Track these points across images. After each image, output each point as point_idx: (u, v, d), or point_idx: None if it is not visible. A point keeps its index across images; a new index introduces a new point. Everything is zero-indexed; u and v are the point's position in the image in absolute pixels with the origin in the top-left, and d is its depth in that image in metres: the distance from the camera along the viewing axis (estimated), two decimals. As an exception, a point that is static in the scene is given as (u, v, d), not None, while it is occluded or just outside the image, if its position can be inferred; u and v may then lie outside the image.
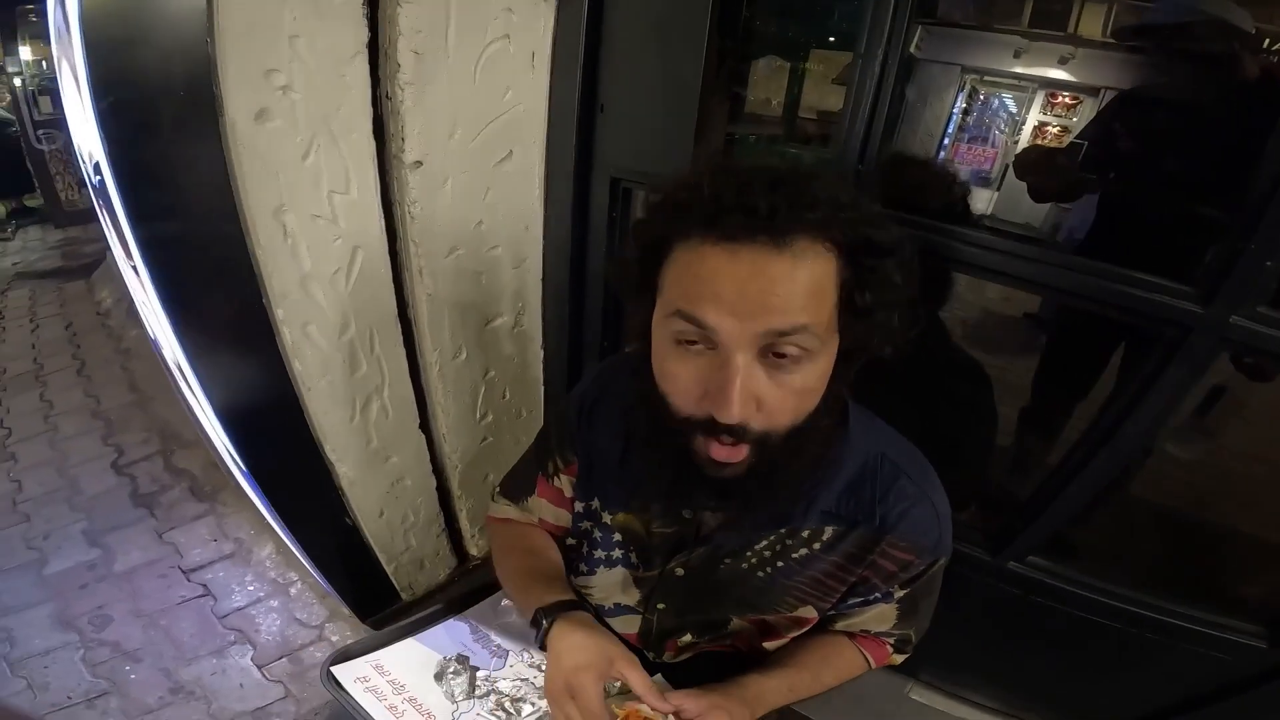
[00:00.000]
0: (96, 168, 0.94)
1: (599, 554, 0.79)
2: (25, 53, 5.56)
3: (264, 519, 1.76)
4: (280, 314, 0.96)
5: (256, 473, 1.09)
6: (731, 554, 0.70)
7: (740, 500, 0.61)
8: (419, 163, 1.00)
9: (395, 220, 1.05)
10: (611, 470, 0.76)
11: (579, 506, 0.80)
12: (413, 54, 0.92)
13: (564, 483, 0.82)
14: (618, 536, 0.77)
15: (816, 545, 0.68)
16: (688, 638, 0.78)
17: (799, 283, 0.51)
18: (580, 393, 0.80)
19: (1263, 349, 0.75)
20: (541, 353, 1.42)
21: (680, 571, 0.73)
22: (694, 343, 0.53)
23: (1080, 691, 1.17)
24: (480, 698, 0.76)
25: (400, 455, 1.26)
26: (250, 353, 1.00)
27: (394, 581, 1.37)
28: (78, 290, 3.96)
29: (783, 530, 0.68)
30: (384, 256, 1.06)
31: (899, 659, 0.81)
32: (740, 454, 0.55)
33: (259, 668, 1.49)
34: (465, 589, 0.93)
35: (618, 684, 0.71)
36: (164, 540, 1.88)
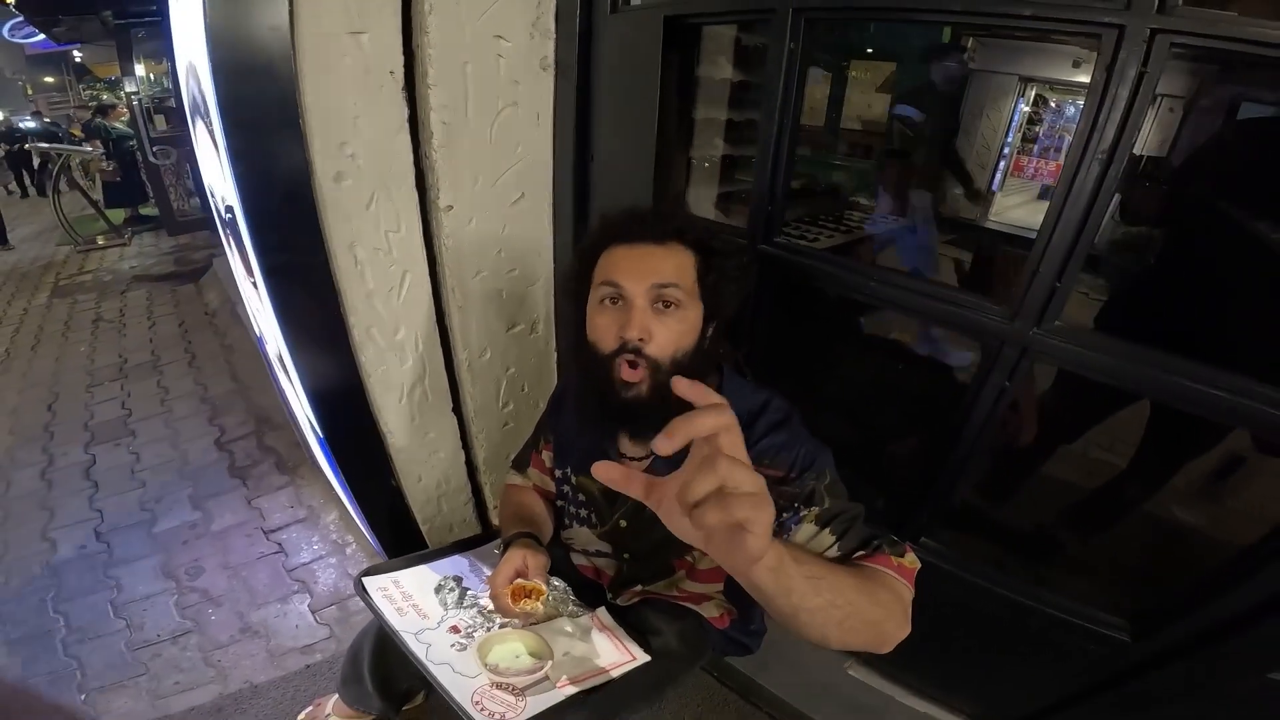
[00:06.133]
0: (229, 209, 1.30)
1: (572, 510, 1.14)
2: (139, 69, 6.11)
3: (332, 490, 2.17)
4: (351, 320, 1.33)
5: (330, 439, 1.49)
6: None
7: (640, 420, 0.92)
8: (450, 206, 1.36)
9: (434, 250, 1.41)
10: (572, 442, 1.12)
11: (558, 474, 1.16)
12: (442, 124, 1.27)
13: (546, 456, 1.19)
14: (581, 497, 1.11)
15: None
16: (639, 586, 1.10)
17: (671, 262, 0.90)
18: (554, 391, 1.20)
19: (1058, 357, 0.93)
20: (555, 354, 1.77)
21: (624, 523, 1.05)
22: (613, 300, 0.90)
23: (979, 679, 1.28)
24: (466, 608, 1.04)
25: (436, 431, 1.63)
26: (331, 347, 1.35)
27: (427, 540, 1.74)
28: (188, 292, 4.66)
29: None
30: (426, 278, 1.43)
31: (911, 560, 0.82)
32: (640, 375, 0.88)
33: (313, 613, 1.87)
34: (473, 537, 1.26)
35: (560, 590, 1.07)
36: (252, 505, 2.34)
